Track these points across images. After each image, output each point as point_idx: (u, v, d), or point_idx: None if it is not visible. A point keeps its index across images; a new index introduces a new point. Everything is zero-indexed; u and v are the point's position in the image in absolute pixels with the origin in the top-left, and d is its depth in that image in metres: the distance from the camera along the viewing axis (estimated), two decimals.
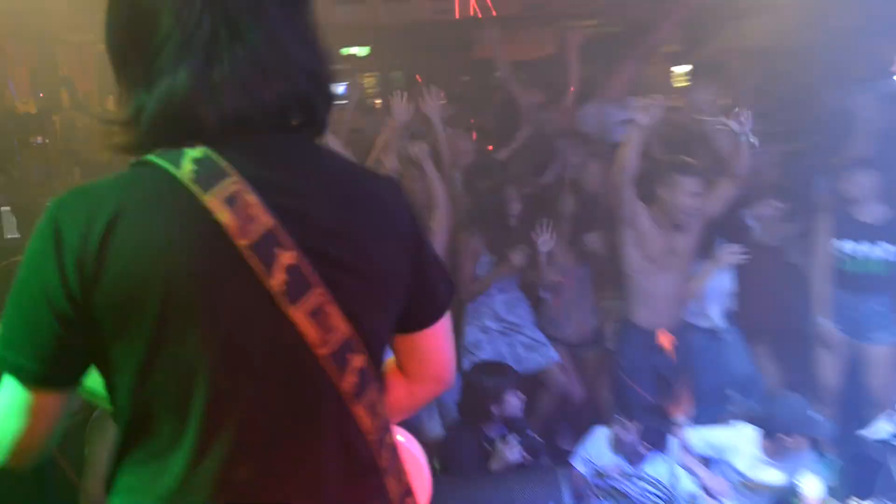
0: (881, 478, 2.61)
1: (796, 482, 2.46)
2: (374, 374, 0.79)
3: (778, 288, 2.99)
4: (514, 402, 2.32)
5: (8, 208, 2.62)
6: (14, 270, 0.74)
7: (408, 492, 0.87)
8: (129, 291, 0.67)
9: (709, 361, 2.90)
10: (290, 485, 0.76)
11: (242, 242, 0.67)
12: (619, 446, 2.48)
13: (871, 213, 2.81)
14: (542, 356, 2.86)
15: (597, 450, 2.52)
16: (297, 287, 0.70)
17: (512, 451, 2.21)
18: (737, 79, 3.74)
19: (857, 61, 3.50)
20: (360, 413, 0.76)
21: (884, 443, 2.66)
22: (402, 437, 1.00)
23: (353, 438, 0.78)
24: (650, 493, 2.43)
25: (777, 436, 2.45)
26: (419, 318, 0.87)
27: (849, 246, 2.84)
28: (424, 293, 0.86)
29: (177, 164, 0.67)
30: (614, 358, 2.85)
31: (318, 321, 0.71)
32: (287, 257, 0.70)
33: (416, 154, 2.63)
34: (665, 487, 2.45)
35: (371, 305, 0.78)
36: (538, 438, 2.36)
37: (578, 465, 2.50)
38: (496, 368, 2.45)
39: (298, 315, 0.70)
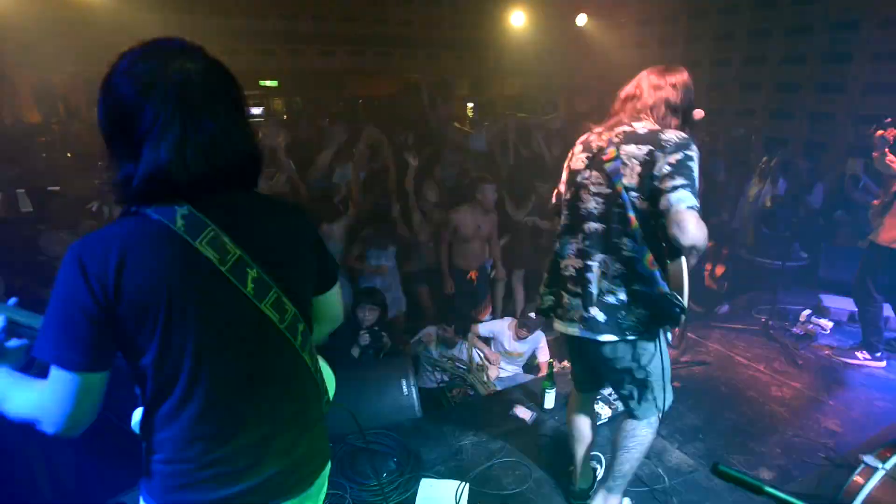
0: None
1: (535, 351, 3.88)
2: (311, 331, 1.12)
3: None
4: (371, 315, 3.38)
5: (22, 190, 3.32)
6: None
7: (325, 391, 1.23)
8: (141, 305, 0.88)
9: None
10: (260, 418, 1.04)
11: (223, 268, 0.94)
12: (440, 339, 3.68)
13: None
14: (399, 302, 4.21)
15: (427, 341, 3.70)
16: (261, 290, 0.98)
17: (364, 339, 3.30)
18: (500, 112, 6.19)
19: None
20: (307, 357, 1.09)
21: None
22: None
23: (303, 374, 1.11)
24: (458, 364, 3.61)
25: (520, 324, 3.78)
26: (322, 286, 1.20)
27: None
28: (324, 273, 1.18)
29: (172, 220, 0.90)
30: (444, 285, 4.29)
31: (277, 308, 1.00)
32: (253, 273, 0.97)
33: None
34: (465, 361, 3.64)
35: (303, 289, 1.10)
36: (386, 338, 3.44)
37: (417, 351, 3.64)
38: (371, 291, 3.51)
39: (266, 307, 0.99)
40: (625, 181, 1.67)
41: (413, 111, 5.98)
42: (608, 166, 1.70)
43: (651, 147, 1.63)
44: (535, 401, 3.03)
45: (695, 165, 1.60)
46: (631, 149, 1.67)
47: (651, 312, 1.70)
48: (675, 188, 1.56)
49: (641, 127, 1.71)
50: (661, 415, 1.94)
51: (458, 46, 9.26)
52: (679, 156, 1.59)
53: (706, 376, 3.37)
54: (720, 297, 5.23)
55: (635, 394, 1.90)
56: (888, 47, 5.53)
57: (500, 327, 3.91)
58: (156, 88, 0.88)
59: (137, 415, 1.06)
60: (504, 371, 3.90)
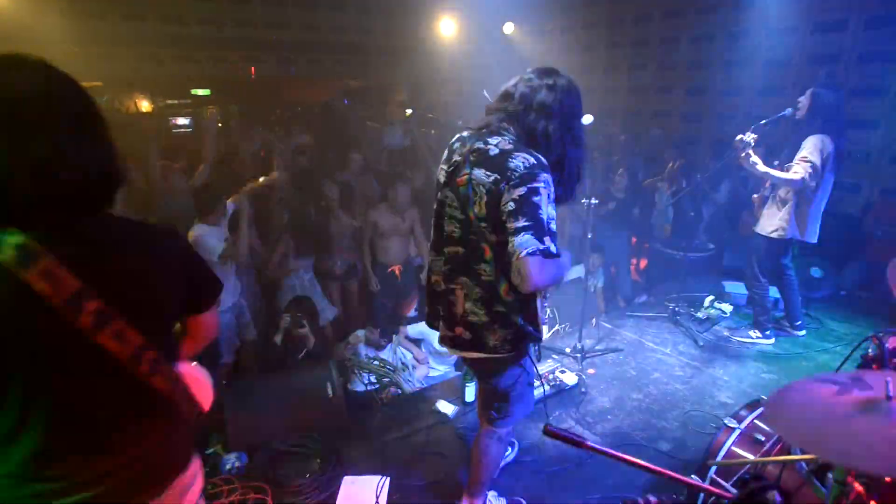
0: None
1: None
2: (164, 356, 1.05)
3: None
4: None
5: None
6: None
7: (196, 405, 1.17)
8: None
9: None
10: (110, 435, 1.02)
11: (56, 301, 0.88)
12: (368, 342, 3.75)
13: None
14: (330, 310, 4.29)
15: (355, 342, 3.76)
16: (100, 322, 0.93)
17: (284, 321, 3.41)
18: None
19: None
20: (157, 381, 1.04)
21: None
22: (193, 368, 1.27)
23: (149, 398, 1.05)
24: (387, 367, 3.64)
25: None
26: (195, 308, 1.21)
27: None
28: (198, 295, 1.19)
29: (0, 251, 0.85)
30: (369, 281, 4.40)
31: (119, 339, 0.95)
32: (92, 305, 0.91)
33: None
34: (391, 363, 3.68)
35: (157, 317, 1.07)
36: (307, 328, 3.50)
37: (342, 353, 3.68)
38: (300, 300, 3.55)
39: (104, 339, 0.94)
40: (475, 210, 1.62)
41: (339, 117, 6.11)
42: (461, 191, 1.65)
43: (497, 176, 1.56)
44: (458, 395, 3.16)
45: (542, 199, 1.52)
46: (480, 175, 1.60)
47: (514, 332, 1.72)
48: (517, 231, 1.50)
49: (496, 145, 1.63)
50: (512, 429, 2.03)
51: (391, 53, 9.46)
52: (522, 190, 1.51)
53: (618, 362, 3.62)
54: (641, 289, 5.60)
55: (495, 405, 1.94)
56: (774, 54, 6.10)
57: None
58: None
59: None
60: (435, 370, 4.00)
